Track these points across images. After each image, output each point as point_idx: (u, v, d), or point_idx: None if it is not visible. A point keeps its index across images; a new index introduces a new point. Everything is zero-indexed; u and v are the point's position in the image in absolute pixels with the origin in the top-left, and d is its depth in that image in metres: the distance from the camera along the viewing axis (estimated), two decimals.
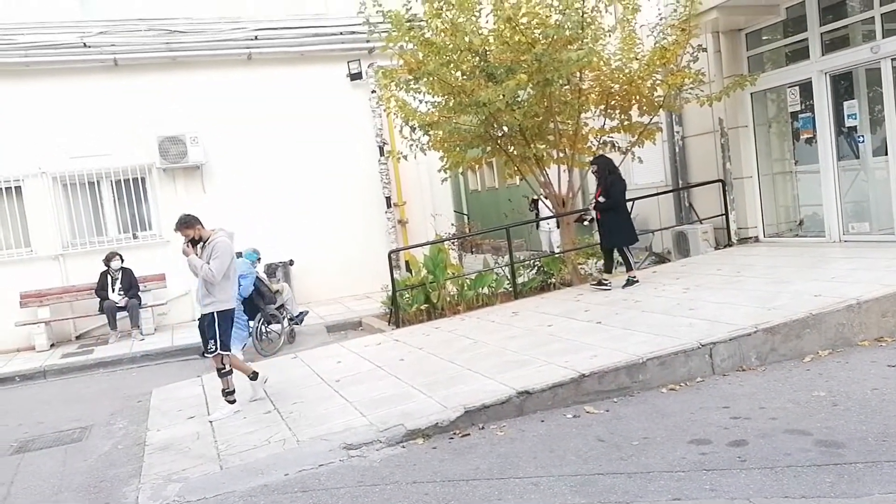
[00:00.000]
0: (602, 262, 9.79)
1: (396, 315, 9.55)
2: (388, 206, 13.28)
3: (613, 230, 9.15)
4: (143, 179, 12.34)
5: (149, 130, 11.90)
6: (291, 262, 12.43)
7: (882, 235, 9.13)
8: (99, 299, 11.11)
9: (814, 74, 9.67)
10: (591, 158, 9.66)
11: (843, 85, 9.67)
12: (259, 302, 9.43)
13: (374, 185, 13.26)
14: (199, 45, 12.35)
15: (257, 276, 9.67)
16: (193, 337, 10.50)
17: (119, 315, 11.09)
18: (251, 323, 9.37)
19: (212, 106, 12.36)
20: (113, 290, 11.11)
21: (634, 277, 9.07)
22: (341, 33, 12.95)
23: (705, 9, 9.74)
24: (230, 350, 6.42)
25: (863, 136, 9.46)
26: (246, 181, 12.53)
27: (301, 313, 10.25)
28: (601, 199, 9.11)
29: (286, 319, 9.90)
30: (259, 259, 9.91)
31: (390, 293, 9.81)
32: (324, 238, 12.87)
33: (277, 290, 10.01)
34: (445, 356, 6.93)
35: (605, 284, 9.13)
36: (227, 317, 6.27)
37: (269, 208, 12.57)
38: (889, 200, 8.93)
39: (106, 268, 11.14)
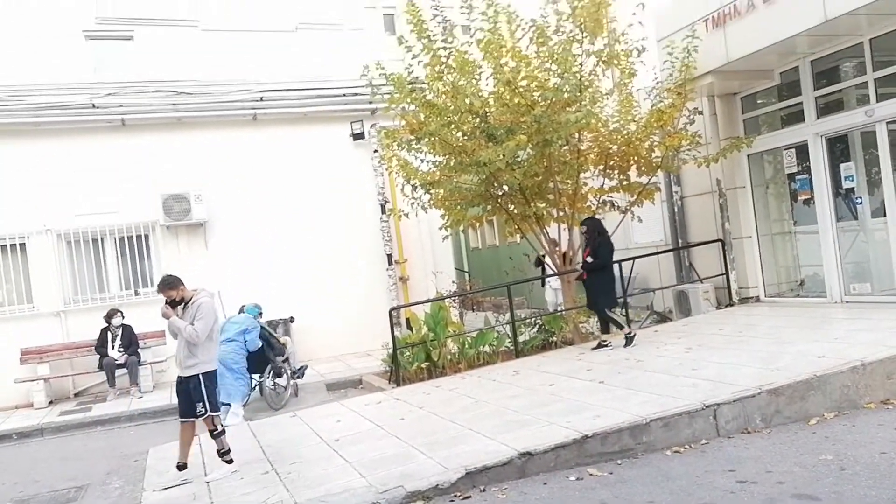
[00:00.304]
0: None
1: (397, 373, 9.48)
2: (390, 263, 13.33)
3: (597, 292, 9.21)
4: (146, 236, 12.44)
5: (153, 188, 12.06)
6: (292, 319, 12.41)
7: (884, 296, 9.13)
8: (98, 356, 11.05)
9: (809, 137, 9.83)
10: (582, 220, 9.76)
11: (839, 147, 9.83)
12: (269, 353, 9.55)
13: (376, 242, 13.35)
14: (206, 106, 12.64)
15: (264, 328, 9.80)
16: None
17: (118, 372, 11.02)
18: (255, 377, 9.45)
19: (216, 164, 12.56)
20: (113, 347, 11.06)
21: (631, 334, 9.05)
22: (344, 94, 13.26)
23: (700, 73, 9.98)
24: (220, 410, 6.35)
25: (860, 197, 9.56)
26: (248, 238, 12.63)
27: (302, 367, 10.35)
28: (589, 259, 9.19)
29: (288, 373, 9.94)
30: (261, 313, 9.99)
31: (391, 351, 9.76)
32: (325, 295, 12.87)
33: (284, 343, 10.17)
34: (446, 415, 6.84)
35: (605, 344, 9.09)
36: (212, 378, 6.22)
37: (270, 265, 12.63)
38: (889, 261, 8.97)
39: (106, 324, 11.11)
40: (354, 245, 13.24)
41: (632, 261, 11.14)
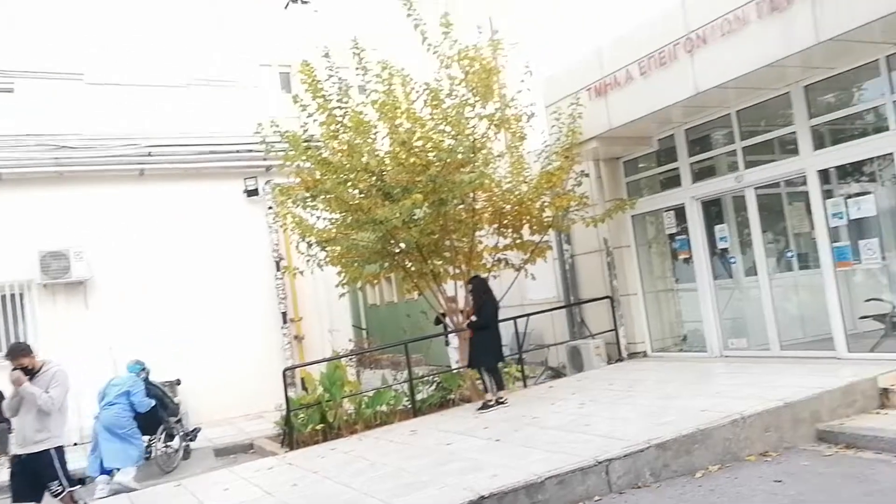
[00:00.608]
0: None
1: (290, 436, 9.13)
2: (285, 321, 13.00)
3: (480, 350, 9.31)
4: (20, 296, 11.60)
5: (30, 245, 11.32)
6: (178, 382, 11.75)
7: (759, 351, 9.66)
8: None
9: (686, 200, 10.47)
10: (468, 279, 9.92)
11: (713, 210, 10.51)
12: (162, 413, 9.28)
13: (270, 300, 13.01)
14: (89, 161, 12.12)
15: (155, 386, 9.55)
16: (67, 463, 9.63)
17: None
18: (146, 438, 9.10)
19: (100, 221, 11.98)
20: None
21: (503, 399, 9.06)
22: (238, 151, 13.04)
23: (585, 138, 10.46)
24: (76, 485, 5.92)
25: (734, 257, 10.21)
26: (133, 297, 12.00)
27: (195, 429, 10.03)
28: (473, 318, 9.33)
29: (181, 435, 9.62)
30: (144, 369, 9.72)
31: (284, 413, 9.41)
32: (214, 356, 12.33)
33: (178, 402, 9.92)
34: (341, 480, 6.62)
35: (502, 402, 9.10)
36: (62, 452, 5.82)
37: (157, 325, 12.00)
38: (762, 318, 9.53)
39: None
40: (248, 303, 12.84)
41: (526, 317, 11.35)
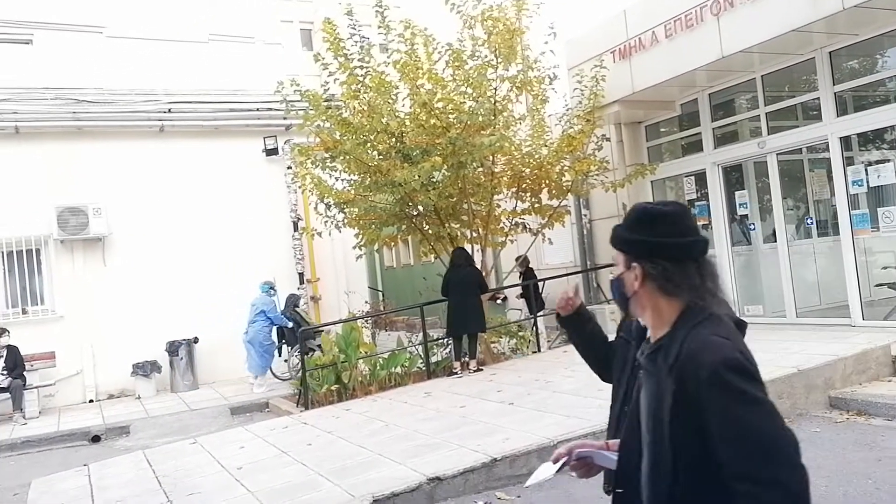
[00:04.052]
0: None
1: (305, 396, 9.24)
2: (301, 282, 13.05)
3: (476, 316, 9.50)
4: (37, 251, 11.70)
5: (48, 200, 11.36)
6: (196, 340, 11.94)
7: (775, 318, 9.64)
8: None
9: (707, 166, 10.34)
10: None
11: (734, 176, 10.38)
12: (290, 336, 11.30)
13: (288, 260, 13.04)
14: (109, 116, 12.06)
15: (299, 313, 11.57)
16: (82, 421, 9.90)
17: (0, 396, 10.25)
18: (287, 348, 11.44)
19: (119, 177, 11.97)
20: None
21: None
22: (258, 109, 12.95)
23: (608, 102, 10.34)
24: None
25: (753, 223, 10.11)
26: (151, 254, 12.07)
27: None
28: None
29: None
30: (272, 288, 11.44)
31: (300, 373, 9.51)
32: (232, 315, 12.40)
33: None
34: (355, 440, 6.71)
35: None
36: None
37: (175, 283, 12.09)
38: (780, 285, 9.49)
39: None
40: (265, 263, 12.86)
41: (543, 281, 11.35)
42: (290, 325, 11.27)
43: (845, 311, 8.60)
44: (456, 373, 9.38)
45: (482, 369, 9.49)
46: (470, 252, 10.78)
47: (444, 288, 9.71)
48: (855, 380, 6.73)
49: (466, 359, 9.48)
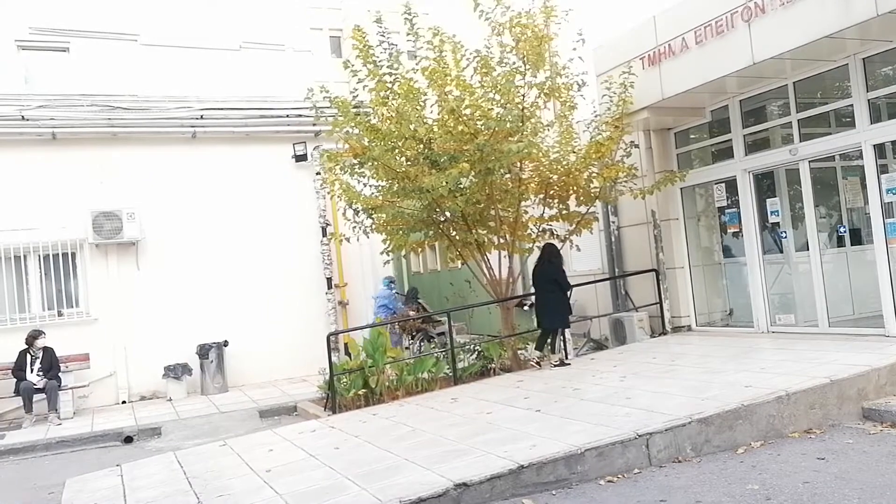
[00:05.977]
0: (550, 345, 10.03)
1: (333, 400, 9.31)
2: (329, 287, 13.17)
3: (558, 311, 9.80)
4: (73, 255, 11.97)
5: (83, 205, 11.64)
6: (226, 343, 12.11)
7: (807, 327, 9.49)
8: (15, 380, 10.50)
9: (738, 173, 10.22)
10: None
11: (765, 183, 10.25)
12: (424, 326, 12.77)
13: (316, 265, 13.18)
14: (142, 122, 12.32)
15: (420, 303, 13.17)
16: (115, 422, 10.09)
17: (36, 397, 10.48)
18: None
19: (152, 182, 12.23)
20: (31, 371, 10.53)
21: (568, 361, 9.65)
22: (288, 115, 13.13)
23: (636, 108, 10.28)
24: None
25: (785, 231, 9.97)
26: (183, 258, 12.29)
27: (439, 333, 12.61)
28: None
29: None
30: (392, 281, 12.99)
31: (328, 377, 9.59)
32: (261, 319, 12.61)
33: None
34: (382, 445, 6.75)
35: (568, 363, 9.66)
36: None
37: (205, 287, 12.31)
38: (812, 294, 9.34)
39: (26, 346, 10.59)
40: (294, 268, 13.04)
41: (570, 288, 11.29)
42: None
43: (879, 320, 8.43)
44: (536, 365, 9.73)
45: (568, 363, 9.71)
46: (497, 259, 10.79)
47: (532, 282, 10.31)
48: (889, 391, 6.60)
49: (547, 353, 9.81)
